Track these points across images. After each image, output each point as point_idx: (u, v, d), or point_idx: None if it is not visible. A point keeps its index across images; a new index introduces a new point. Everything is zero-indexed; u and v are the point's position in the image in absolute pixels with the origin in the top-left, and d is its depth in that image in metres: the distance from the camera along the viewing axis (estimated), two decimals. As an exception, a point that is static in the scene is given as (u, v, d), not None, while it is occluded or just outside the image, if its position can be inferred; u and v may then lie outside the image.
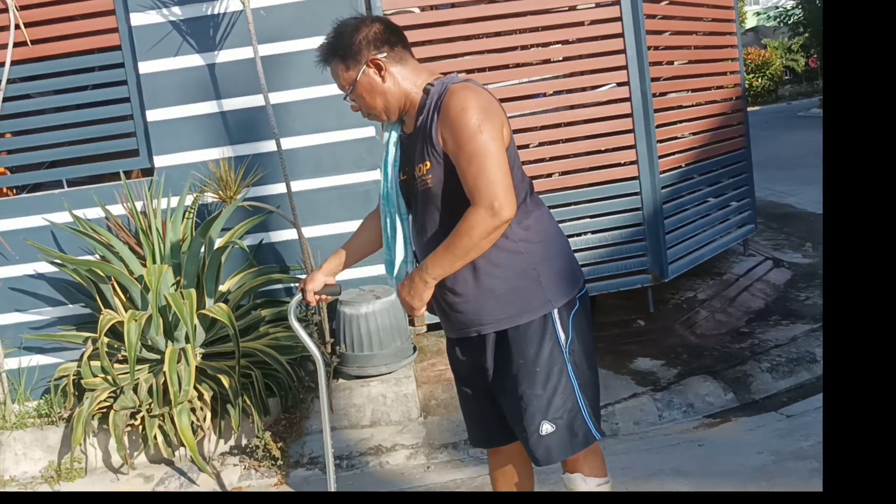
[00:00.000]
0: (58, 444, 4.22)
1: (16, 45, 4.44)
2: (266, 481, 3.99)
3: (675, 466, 3.60)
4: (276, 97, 4.42)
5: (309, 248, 4.25)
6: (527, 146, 4.96)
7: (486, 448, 2.68)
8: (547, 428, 2.31)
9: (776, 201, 9.16)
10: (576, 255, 4.81)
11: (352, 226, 4.49)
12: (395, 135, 2.40)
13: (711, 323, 5.25)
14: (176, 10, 4.43)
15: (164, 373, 3.84)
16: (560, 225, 4.82)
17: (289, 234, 4.53)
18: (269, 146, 4.44)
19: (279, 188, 4.46)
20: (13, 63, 4.46)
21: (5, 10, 4.44)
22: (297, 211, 4.17)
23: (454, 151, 2.18)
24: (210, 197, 4.40)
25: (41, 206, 4.52)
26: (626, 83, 4.94)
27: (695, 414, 4.21)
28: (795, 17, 25.77)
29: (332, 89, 4.41)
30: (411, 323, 2.32)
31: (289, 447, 4.06)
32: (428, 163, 2.25)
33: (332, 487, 2.95)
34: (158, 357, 4.11)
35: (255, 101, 4.44)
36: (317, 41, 4.32)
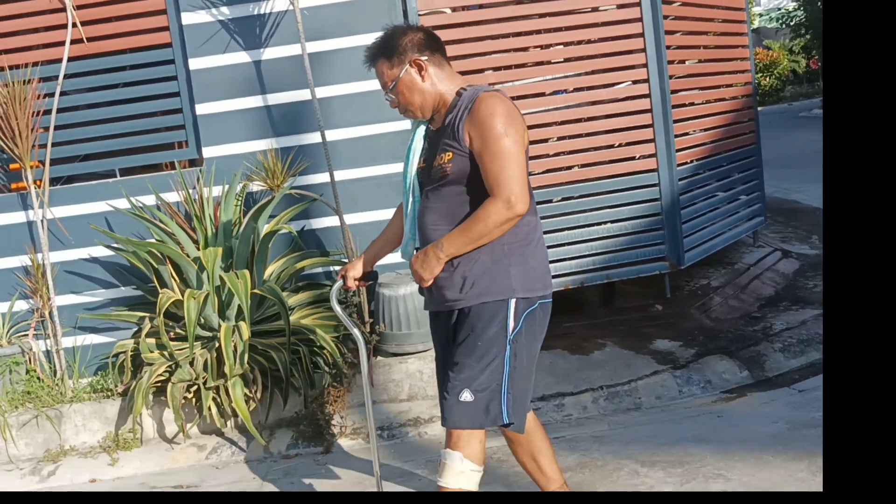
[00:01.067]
0: (115, 416, 4.50)
1: (72, 42, 4.71)
2: (312, 450, 4.27)
3: (697, 434, 3.88)
4: (319, 92, 4.69)
5: (350, 234, 4.53)
6: (548, 140, 5.23)
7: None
8: (466, 396, 2.54)
9: (782, 197, 9.43)
10: (597, 243, 5.10)
11: (388, 213, 4.75)
12: (423, 129, 2.71)
13: (725, 308, 5.53)
14: (224, 9, 4.71)
15: (220, 348, 4.12)
16: (581, 214, 5.09)
17: (330, 221, 4.80)
18: (311, 138, 4.71)
19: (320, 178, 4.74)
20: (70, 59, 4.72)
21: (63, 10, 4.71)
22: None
23: (479, 149, 2.48)
24: (256, 185, 4.68)
25: (96, 195, 4.79)
26: (646, 80, 5.21)
27: (712, 390, 4.49)
28: (797, 19, 26.03)
29: (372, 85, 4.71)
30: (421, 292, 2.65)
31: (333, 419, 4.34)
32: (450, 153, 2.54)
33: (375, 456, 3.23)
34: (210, 334, 4.39)
35: (298, 95, 4.72)
36: (357, 40, 4.69)
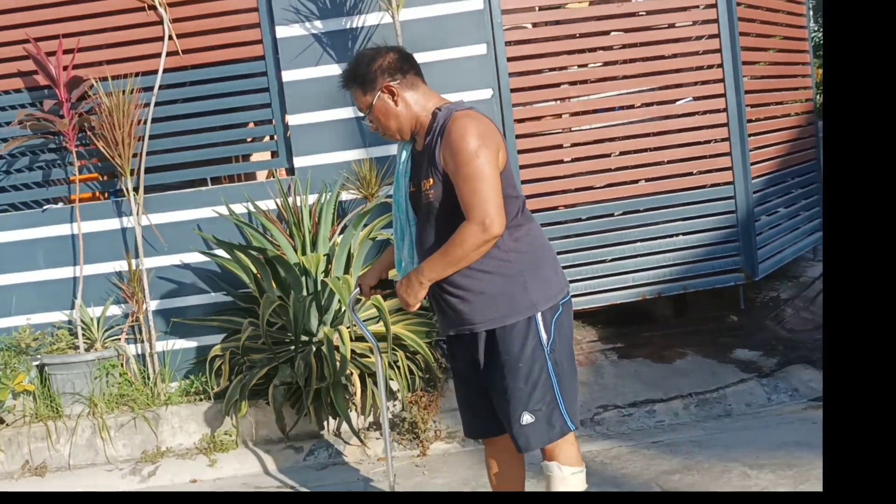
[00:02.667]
0: (211, 418, 4.57)
1: (168, 54, 4.84)
2: (408, 452, 4.33)
3: (798, 440, 3.93)
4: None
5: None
6: (630, 152, 5.32)
7: (479, 438, 2.97)
8: (527, 418, 2.58)
9: (827, 215, 9.51)
10: (673, 254, 5.18)
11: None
12: (406, 152, 2.70)
13: (798, 319, 5.59)
14: (318, 23, 4.83)
15: (322, 351, 4.20)
16: (659, 226, 5.18)
17: (418, 230, 4.89)
18: (401, 148, 4.81)
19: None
20: (165, 71, 4.85)
21: (160, 23, 4.84)
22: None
23: (453, 171, 2.48)
24: (349, 194, 4.78)
25: (189, 202, 4.90)
26: (723, 95, 5.31)
27: (800, 398, 4.54)
28: (818, 40, 26.22)
29: (461, 97, 4.84)
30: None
31: (427, 422, 4.40)
32: (431, 179, 2.55)
33: (389, 461, 3.38)
34: (307, 339, 4.47)
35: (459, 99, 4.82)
36: (449, 53, 4.80)
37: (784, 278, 6.28)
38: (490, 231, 2.43)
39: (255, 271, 4.51)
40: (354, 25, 4.84)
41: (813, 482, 3.42)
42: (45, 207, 4.96)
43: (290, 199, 4.75)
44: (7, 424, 4.65)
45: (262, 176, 5.49)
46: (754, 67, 5.81)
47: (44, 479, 4.48)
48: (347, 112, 4.88)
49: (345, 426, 4.45)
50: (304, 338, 4.47)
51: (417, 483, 3.95)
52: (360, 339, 4.46)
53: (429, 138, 2.59)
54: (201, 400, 4.68)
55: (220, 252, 4.69)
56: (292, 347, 4.41)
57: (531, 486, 3.12)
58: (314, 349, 4.34)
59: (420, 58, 4.73)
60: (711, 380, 4.69)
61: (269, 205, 4.82)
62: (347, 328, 4.23)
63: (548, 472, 2.70)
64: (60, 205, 5.01)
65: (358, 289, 3.05)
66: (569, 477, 2.67)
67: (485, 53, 4.91)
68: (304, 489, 4.06)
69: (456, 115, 2.52)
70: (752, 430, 4.18)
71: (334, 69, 4.85)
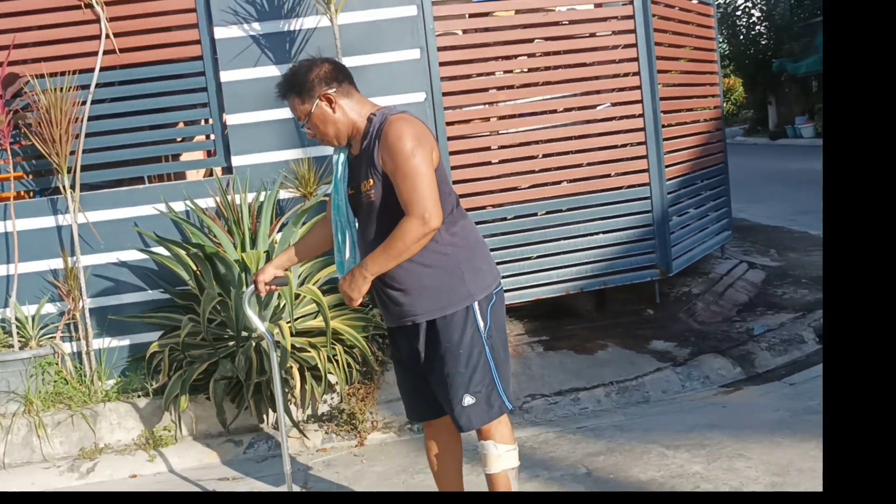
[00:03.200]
0: (149, 414, 4.64)
1: (105, 52, 4.87)
2: (346, 443, 4.50)
3: (709, 422, 4.27)
4: (343, 106, 4.96)
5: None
6: (555, 154, 5.61)
7: (420, 422, 3.15)
8: (468, 400, 2.77)
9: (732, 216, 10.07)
10: (595, 251, 5.49)
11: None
12: (343, 156, 2.85)
13: (708, 313, 5.99)
14: (256, 25, 4.95)
15: (262, 346, 4.32)
16: (581, 224, 5.46)
17: (354, 228, 5.06)
18: (337, 149, 4.97)
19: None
20: (102, 69, 4.88)
21: (97, 21, 4.87)
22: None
23: (392, 171, 2.65)
24: (287, 193, 4.91)
25: (126, 200, 4.94)
26: (640, 101, 5.65)
27: (711, 384, 4.90)
28: (721, 51, 27.39)
29: (396, 99, 5.04)
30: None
31: (364, 413, 4.58)
32: (371, 180, 2.71)
33: (286, 454, 3.50)
34: (246, 334, 4.58)
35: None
36: (381, 57, 4.97)
37: (695, 274, 6.69)
38: (429, 224, 2.60)
39: (194, 268, 4.59)
40: (292, 28, 4.97)
41: (724, 460, 3.74)
42: (-24, 205, 4.92)
43: (229, 197, 4.84)
44: (-63, 423, 4.61)
45: (195, 175, 5.56)
46: (667, 76, 6.19)
47: (-22, 477, 4.46)
48: (285, 112, 4.95)
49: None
50: (244, 333, 4.58)
51: (357, 472, 4.12)
52: (300, 333, 4.60)
53: (366, 142, 2.74)
54: (139, 397, 4.74)
55: (159, 249, 4.75)
56: (231, 343, 4.51)
57: (467, 469, 3.33)
58: (254, 344, 4.46)
59: (356, 61, 4.97)
60: (630, 369, 5.01)
61: (207, 203, 4.91)
62: (287, 323, 4.36)
63: (484, 450, 2.88)
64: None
65: (254, 285, 3.17)
66: (504, 454, 2.86)
67: (418, 58, 5.11)
68: (246, 480, 4.18)
69: (391, 119, 2.70)
70: (668, 414, 4.50)
71: (273, 70, 4.97)
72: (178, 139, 5.16)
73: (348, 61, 4.94)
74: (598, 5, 5.84)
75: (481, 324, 2.79)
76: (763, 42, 27.51)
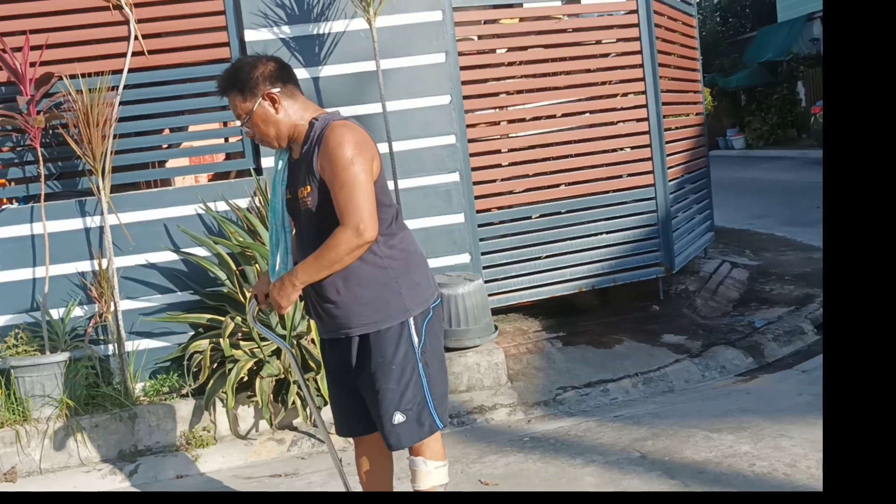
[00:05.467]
0: (188, 414, 4.63)
1: (134, 54, 4.86)
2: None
3: (740, 407, 4.50)
4: (370, 108, 5.06)
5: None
6: (567, 157, 5.81)
7: (350, 437, 3.05)
8: (399, 418, 2.69)
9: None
10: (604, 250, 5.70)
11: (435, 220, 5.24)
12: (282, 160, 2.78)
13: (708, 308, 6.27)
14: (286, 28, 5.01)
15: (303, 344, 4.38)
16: (591, 224, 5.66)
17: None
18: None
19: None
20: (130, 71, 4.87)
21: (126, 23, 4.86)
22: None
23: (330, 179, 2.56)
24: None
25: (156, 202, 4.93)
26: (645, 105, 5.91)
27: (727, 374, 5.15)
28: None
29: (420, 102, 5.17)
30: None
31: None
32: (308, 187, 2.62)
33: (335, 456, 3.24)
34: (285, 332, 4.62)
35: (354, 110, 5.05)
36: (409, 60, 5.08)
37: (686, 273, 6.98)
38: (363, 236, 2.52)
39: (234, 267, 4.62)
40: (321, 31, 5.05)
41: (768, 440, 3.96)
42: (2, 207, 4.83)
43: (258, 199, 4.88)
44: (-35, 430, 4.50)
45: (200, 179, 5.56)
46: (663, 82, 6.46)
47: (16, 484, 4.38)
48: (313, 115, 5.07)
49: (325, 415, 4.63)
50: (283, 332, 4.62)
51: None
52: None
53: (306, 147, 2.66)
54: (174, 398, 4.72)
55: (194, 250, 4.76)
56: (266, 343, 4.54)
57: (397, 483, 3.32)
58: (295, 342, 4.51)
59: (385, 64, 5.06)
60: (650, 361, 5.22)
61: (238, 204, 4.93)
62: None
63: (414, 466, 2.84)
64: (16, 205, 4.90)
65: (255, 300, 3.04)
66: (433, 471, 2.82)
67: (443, 62, 5.24)
68: (300, 476, 4.22)
69: (333, 125, 2.61)
70: (697, 401, 4.72)
71: (302, 73, 5.03)
72: (207, 140, 5.16)
73: (370, 65, 5.06)
74: (603, 14, 6.08)
75: (416, 340, 2.71)
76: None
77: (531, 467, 3.99)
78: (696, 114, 7.51)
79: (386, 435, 2.74)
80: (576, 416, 4.66)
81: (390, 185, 4.84)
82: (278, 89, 2.65)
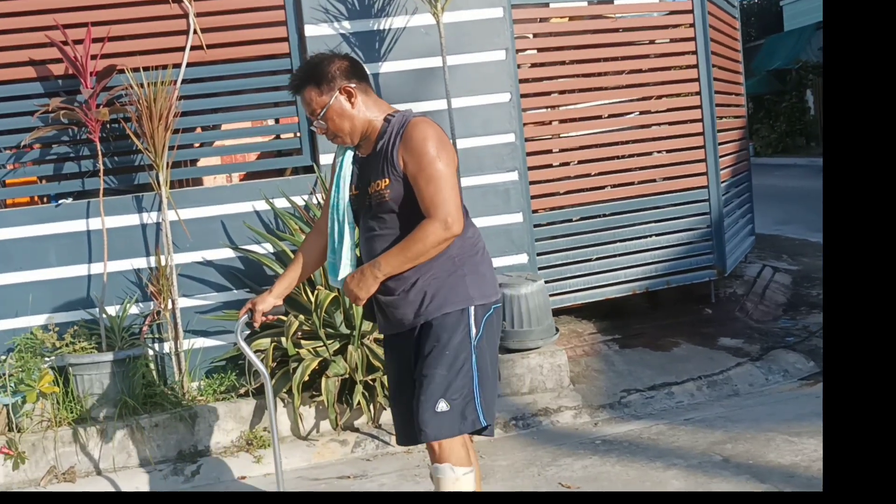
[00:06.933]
0: (249, 414, 4.53)
1: (192, 48, 4.78)
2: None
3: (813, 411, 4.38)
4: (430, 105, 4.98)
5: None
6: (618, 157, 5.75)
7: (413, 445, 2.94)
8: (443, 406, 2.58)
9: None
10: (659, 251, 5.63)
11: (494, 220, 5.16)
12: (348, 156, 2.77)
13: (759, 312, 6.20)
14: (346, 24, 4.93)
15: (367, 344, 4.30)
16: (646, 225, 5.59)
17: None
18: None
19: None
20: (189, 65, 4.78)
21: (185, 16, 4.78)
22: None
23: (414, 173, 2.57)
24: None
25: (213, 198, 4.84)
26: (699, 107, 5.84)
27: (791, 377, 5.07)
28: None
29: (480, 100, 5.10)
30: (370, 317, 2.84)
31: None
32: (387, 180, 2.61)
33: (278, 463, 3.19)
34: (347, 332, 4.54)
35: (413, 107, 4.97)
36: (471, 57, 5.00)
37: (732, 277, 6.91)
38: (451, 229, 2.54)
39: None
40: (382, 27, 4.98)
41: (852, 444, 3.88)
42: (58, 202, 4.74)
43: (318, 197, 4.80)
44: (20, 431, 4.38)
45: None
46: (715, 83, 6.40)
47: (75, 484, 4.28)
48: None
49: (385, 417, 4.54)
50: (346, 331, 4.53)
51: (484, 466, 4.11)
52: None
53: (382, 142, 2.66)
54: (232, 397, 4.63)
55: (252, 247, 4.67)
56: (337, 342, 4.46)
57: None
58: (359, 342, 4.42)
59: (448, 60, 4.98)
60: (711, 364, 5.15)
61: (296, 202, 4.85)
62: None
63: (439, 474, 2.67)
64: (70, 200, 4.81)
65: (248, 314, 2.93)
66: (461, 478, 2.66)
67: (504, 59, 5.16)
68: (369, 477, 4.13)
69: (415, 121, 2.63)
70: (767, 405, 4.64)
71: (361, 69, 4.95)
72: (264, 136, 5.07)
73: (434, 61, 4.98)
74: (656, 14, 6.02)
75: (473, 330, 2.66)
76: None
77: (610, 470, 3.90)
78: (740, 116, 7.45)
79: (423, 423, 2.59)
80: (644, 420, 4.58)
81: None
82: (354, 84, 2.67)
